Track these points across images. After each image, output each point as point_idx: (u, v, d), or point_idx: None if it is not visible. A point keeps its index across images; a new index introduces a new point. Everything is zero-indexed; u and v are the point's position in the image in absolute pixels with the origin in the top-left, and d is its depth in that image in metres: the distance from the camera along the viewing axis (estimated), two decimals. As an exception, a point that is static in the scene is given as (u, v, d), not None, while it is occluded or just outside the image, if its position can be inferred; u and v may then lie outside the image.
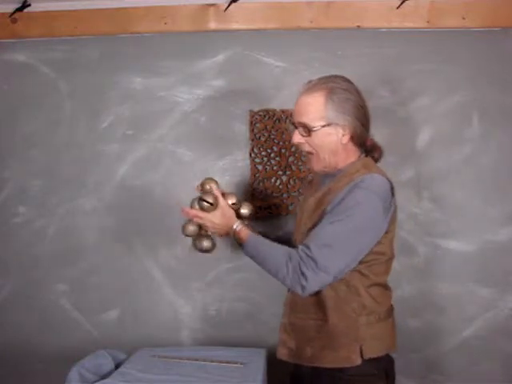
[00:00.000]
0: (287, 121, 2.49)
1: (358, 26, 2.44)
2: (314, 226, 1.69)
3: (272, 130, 2.51)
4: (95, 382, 2.01)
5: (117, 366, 2.19)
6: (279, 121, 2.50)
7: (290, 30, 2.47)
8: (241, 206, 1.91)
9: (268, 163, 2.52)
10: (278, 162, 2.51)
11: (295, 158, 2.51)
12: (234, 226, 1.78)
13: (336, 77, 1.74)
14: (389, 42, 2.45)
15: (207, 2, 2.47)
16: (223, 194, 1.88)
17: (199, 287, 2.58)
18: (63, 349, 2.57)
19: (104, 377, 2.08)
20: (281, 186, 2.52)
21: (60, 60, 2.56)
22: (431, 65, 2.46)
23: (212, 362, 2.19)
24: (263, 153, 2.52)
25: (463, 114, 2.47)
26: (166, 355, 2.26)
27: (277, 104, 2.50)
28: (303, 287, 1.62)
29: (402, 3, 2.40)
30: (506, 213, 2.47)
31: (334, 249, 1.60)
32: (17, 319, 2.62)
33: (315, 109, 1.67)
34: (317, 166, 1.74)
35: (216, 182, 1.91)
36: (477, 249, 2.47)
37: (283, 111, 2.49)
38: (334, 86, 1.69)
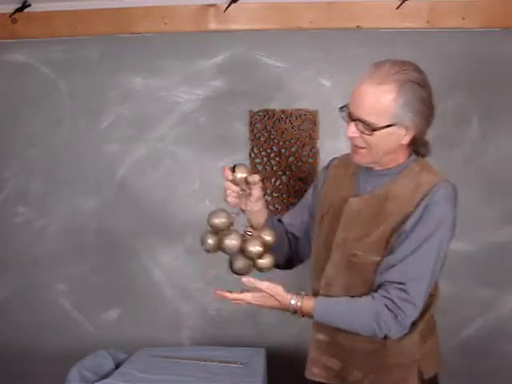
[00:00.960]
0: (287, 121, 2.49)
1: (358, 27, 2.44)
2: (386, 238, 1.48)
3: (272, 130, 2.51)
4: (95, 381, 2.01)
5: (117, 366, 2.19)
6: (279, 121, 2.50)
7: (290, 30, 2.47)
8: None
9: (268, 163, 2.52)
10: (278, 162, 2.51)
11: (295, 158, 2.51)
12: (293, 303, 1.48)
13: (407, 65, 1.48)
14: (389, 42, 2.45)
15: (207, 3, 2.47)
16: (253, 228, 1.58)
17: (199, 287, 2.58)
18: (63, 349, 2.57)
19: (104, 377, 2.08)
20: (281, 186, 2.52)
21: (60, 60, 2.56)
22: (431, 65, 2.46)
23: (212, 362, 2.19)
24: (263, 153, 2.52)
25: (463, 114, 2.46)
26: (166, 355, 2.27)
27: (277, 104, 2.50)
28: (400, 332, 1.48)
29: (401, 3, 2.40)
30: (506, 213, 2.47)
31: (423, 281, 1.45)
32: (17, 319, 2.62)
33: (382, 106, 1.42)
34: (364, 160, 1.52)
35: (249, 171, 1.57)
36: (477, 249, 2.47)
37: (283, 111, 2.49)
38: (406, 78, 1.44)
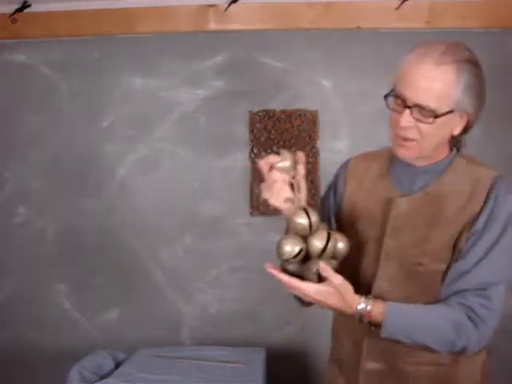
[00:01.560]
0: (287, 121, 2.49)
1: (358, 27, 2.44)
2: (454, 241, 1.27)
3: (272, 131, 2.51)
4: (95, 381, 2.01)
5: (117, 366, 2.19)
6: (279, 121, 2.50)
7: (290, 30, 2.47)
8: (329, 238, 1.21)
9: (268, 163, 2.52)
10: (278, 162, 2.51)
11: (295, 158, 2.51)
12: (361, 307, 1.22)
13: (460, 45, 1.35)
14: (388, 43, 2.46)
15: (207, 3, 2.47)
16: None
17: (199, 287, 2.58)
18: (63, 349, 2.57)
19: (104, 377, 2.08)
20: (281, 186, 2.52)
21: (60, 60, 2.57)
22: (431, 65, 2.46)
23: (212, 362, 2.19)
24: (263, 153, 2.52)
25: (463, 114, 2.47)
26: (166, 355, 2.26)
27: (276, 104, 2.51)
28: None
29: (401, 4, 2.40)
30: (506, 213, 2.47)
31: (501, 284, 1.27)
32: (17, 319, 2.62)
33: (443, 89, 1.23)
34: (411, 154, 1.29)
35: (293, 157, 1.23)
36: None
37: (283, 111, 2.49)
38: (463, 58, 1.29)
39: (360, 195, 1.40)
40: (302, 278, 1.20)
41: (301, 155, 1.24)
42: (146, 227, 2.56)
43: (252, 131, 2.51)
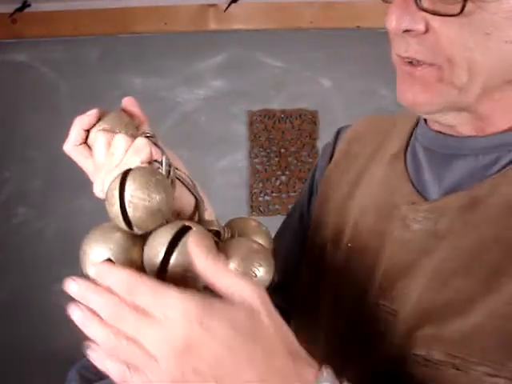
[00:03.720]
0: (287, 121, 2.49)
1: (358, 27, 2.44)
2: None
3: (272, 130, 2.51)
4: (95, 381, 2.01)
5: (117, 366, 2.19)
6: (279, 121, 2.50)
7: (290, 30, 2.47)
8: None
9: (268, 163, 2.52)
10: (278, 162, 2.51)
11: (295, 158, 2.51)
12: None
13: None
14: (388, 42, 2.45)
15: (207, 2, 2.47)
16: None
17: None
18: (63, 349, 2.57)
19: (104, 377, 2.08)
20: (281, 186, 2.52)
21: (60, 60, 2.57)
22: (431, 65, 2.46)
23: (212, 361, 2.18)
24: (263, 153, 2.52)
25: (463, 114, 2.47)
26: (166, 355, 2.26)
27: (276, 104, 2.51)
28: None
29: (401, 3, 2.40)
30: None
31: None
32: (16, 319, 2.62)
33: None
34: (431, 97, 0.57)
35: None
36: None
37: (283, 111, 2.50)
38: None
39: (356, 201, 0.72)
40: None
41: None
42: (145, 227, 2.56)
43: (252, 131, 2.51)
